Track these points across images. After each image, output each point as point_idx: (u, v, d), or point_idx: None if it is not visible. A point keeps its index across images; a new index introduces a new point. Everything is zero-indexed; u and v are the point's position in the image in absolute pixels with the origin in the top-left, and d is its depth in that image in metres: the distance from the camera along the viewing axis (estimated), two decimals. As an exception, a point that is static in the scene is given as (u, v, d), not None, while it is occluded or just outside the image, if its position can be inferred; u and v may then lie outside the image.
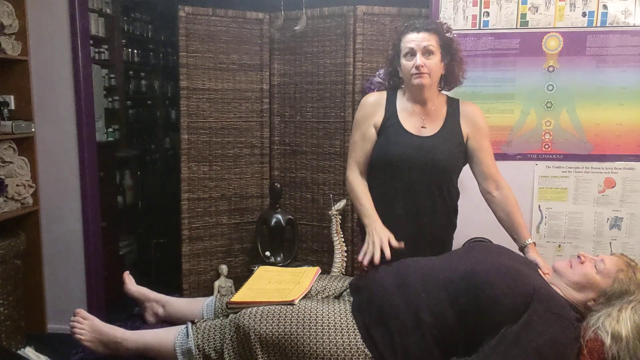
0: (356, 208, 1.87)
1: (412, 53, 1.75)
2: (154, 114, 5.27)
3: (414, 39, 1.75)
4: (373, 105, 1.88)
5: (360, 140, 1.88)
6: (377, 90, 2.24)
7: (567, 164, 2.62)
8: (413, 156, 1.78)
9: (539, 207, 2.66)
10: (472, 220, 2.34)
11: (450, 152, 1.80)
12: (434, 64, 1.76)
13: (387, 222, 1.82)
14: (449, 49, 1.81)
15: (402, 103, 1.86)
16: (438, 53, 1.77)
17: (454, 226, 1.93)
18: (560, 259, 1.59)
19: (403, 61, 1.78)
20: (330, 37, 2.97)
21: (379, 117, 1.85)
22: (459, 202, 1.95)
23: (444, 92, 1.91)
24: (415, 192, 1.80)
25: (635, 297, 1.42)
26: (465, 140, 1.84)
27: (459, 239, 2.54)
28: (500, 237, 1.81)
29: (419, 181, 1.79)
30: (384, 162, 1.82)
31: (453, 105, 1.87)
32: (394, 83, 1.90)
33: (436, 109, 1.84)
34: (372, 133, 1.86)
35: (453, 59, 1.83)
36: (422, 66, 1.73)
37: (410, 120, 1.83)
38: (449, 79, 1.86)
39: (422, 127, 1.82)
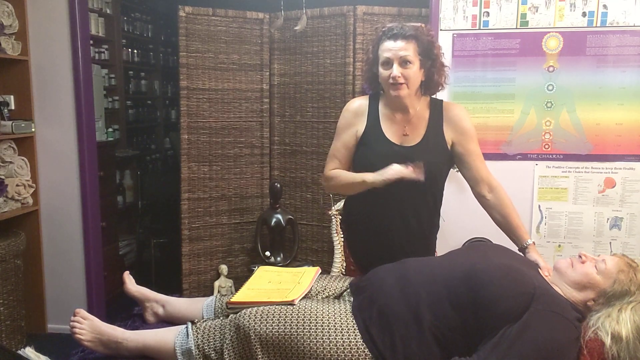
0: (351, 183, 1.79)
1: (389, 62, 1.70)
2: (154, 114, 5.27)
3: (390, 48, 1.70)
4: (355, 114, 1.84)
5: (343, 148, 1.85)
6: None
7: (567, 164, 2.62)
8: None
9: (539, 207, 2.66)
10: (472, 220, 2.34)
11: (433, 163, 1.76)
12: (412, 73, 1.70)
13: (372, 229, 1.84)
14: (429, 54, 1.74)
15: (384, 109, 1.82)
16: (416, 61, 1.71)
17: (437, 227, 1.92)
18: (560, 259, 1.58)
19: (380, 69, 1.73)
20: (330, 37, 2.97)
21: (360, 127, 1.82)
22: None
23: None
24: (399, 201, 1.78)
25: (635, 297, 1.42)
26: (449, 147, 1.80)
27: (458, 239, 2.55)
28: (500, 237, 1.81)
29: (403, 191, 1.76)
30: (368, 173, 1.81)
31: (436, 109, 1.82)
32: (375, 88, 1.85)
33: (418, 114, 1.79)
34: (354, 143, 1.83)
35: (433, 65, 1.76)
36: (398, 77, 1.68)
37: (392, 128, 1.79)
38: (429, 85, 1.80)
39: (404, 134, 1.78)
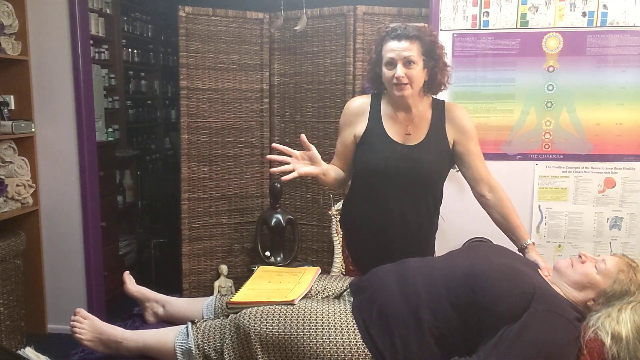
0: (333, 179, 1.86)
1: (392, 63, 1.70)
2: (154, 114, 5.27)
3: (394, 48, 1.70)
4: (355, 113, 1.85)
5: (341, 146, 1.88)
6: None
7: (567, 164, 2.62)
8: (399, 166, 1.75)
9: (539, 207, 2.66)
10: (472, 220, 2.35)
11: (435, 162, 1.78)
12: (416, 74, 1.70)
13: (371, 228, 1.84)
14: (432, 54, 1.74)
15: (386, 109, 1.82)
16: (420, 61, 1.71)
17: (436, 227, 1.92)
18: (560, 259, 1.58)
19: (384, 69, 1.74)
20: (330, 37, 2.97)
21: (361, 126, 1.82)
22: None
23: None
24: (398, 201, 1.78)
25: (635, 297, 1.42)
26: (451, 146, 1.81)
27: (458, 239, 2.55)
28: (500, 238, 1.81)
29: (404, 190, 1.77)
30: (370, 172, 1.80)
31: (438, 109, 1.82)
32: (378, 87, 1.85)
33: (421, 114, 1.80)
34: (351, 142, 1.84)
35: (436, 65, 1.76)
36: (402, 77, 1.69)
37: (395, 127, 1.80)
38: (432, 85, 1.80)
39: (406, 134, 1.79)
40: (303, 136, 1.76)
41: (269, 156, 1.81)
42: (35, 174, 2.93)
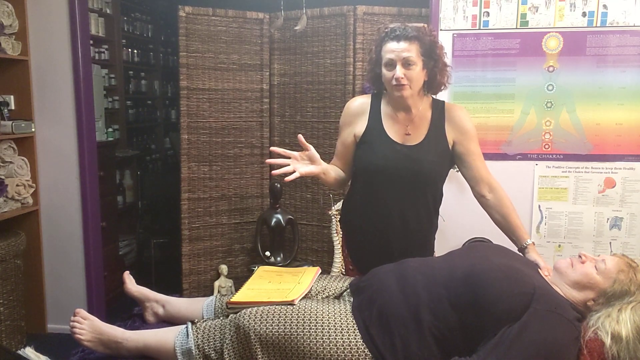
0: (333, 178, 1.86)
1: (391, 64, 1.70)
2: (154, 114, 5.27)
3: (393, 49, 1.69)
4: (355, 113, 1.85)
5: (341, 146, 1.89)
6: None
7: (567, 164, 2.62)
8: (398, 166, 1.76)
9: (539, 207, 2.66)
10: (472, 220, 2.35)
11: (435, 162, 1.78)
12: (415, 74, 1.70)
13: (371, 228, 1.84)
14: (432, 54, 1.74)
15: (386, 109, 1.82)
16: (419, 62, 1.71)
17: (436, 227, 1.92)
18: (560, 259, 1.58)
19: (384, 70, 1.74)
20: (330, 37, 2.97)
21: (361, 126, 1.83)
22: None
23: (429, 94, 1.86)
24: (399, 200, 1.79)
25: (635, 297, 1.43)
26: (450, 147, 1.81)
27: (458, 239, 2.55)
28: (500, 237, 1.81)
29: (404, 190, 1.77)
30: (369, 172, 1.81)
31: (438, 109, 1.83)
32: (378, 87, 1.85)
33: (420, 114, 1.80)
34: (351, 142, 1.85)
35: (436, 65, 1.76)
36: (401, 78, 1.69)
37: (395, 127, 1.80)
38: (432, 85, 1.80)
39: (406, 134, 1.79)
40: (300, 136, 1.76)
41: (268, 160, 1.81)
42: (35, 174, 2.93)
